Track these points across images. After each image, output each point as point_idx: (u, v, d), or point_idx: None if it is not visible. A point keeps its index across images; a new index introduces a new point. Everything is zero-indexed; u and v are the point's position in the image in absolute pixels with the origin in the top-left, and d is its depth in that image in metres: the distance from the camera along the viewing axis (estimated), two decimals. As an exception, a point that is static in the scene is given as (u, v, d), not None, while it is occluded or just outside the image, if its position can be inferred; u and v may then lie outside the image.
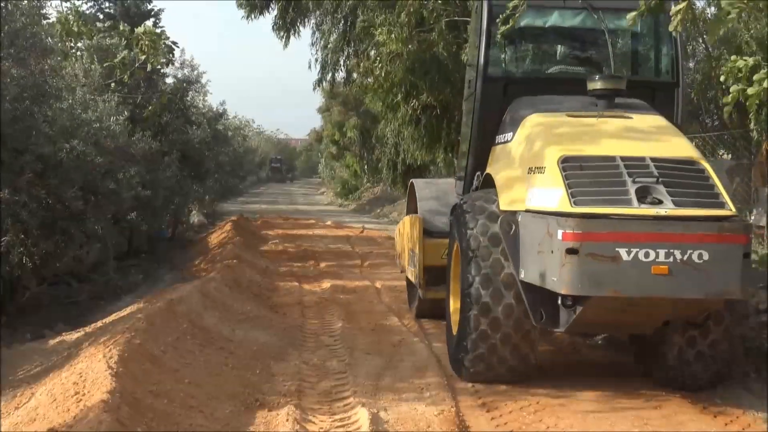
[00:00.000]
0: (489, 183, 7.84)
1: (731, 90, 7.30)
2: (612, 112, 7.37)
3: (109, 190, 11.56)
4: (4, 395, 6.76)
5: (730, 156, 14.37)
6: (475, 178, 8.46)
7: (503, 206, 7.14)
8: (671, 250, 5.95)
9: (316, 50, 24.28)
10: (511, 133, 7.72)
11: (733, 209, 6.31)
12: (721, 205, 6.26)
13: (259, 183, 65.97)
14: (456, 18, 16.54)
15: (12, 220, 9.55)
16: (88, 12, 20.03)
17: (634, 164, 6.44)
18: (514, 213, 6.89)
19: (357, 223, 27.60)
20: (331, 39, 22.90)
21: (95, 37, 14.40)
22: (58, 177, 10.04)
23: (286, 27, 22.41)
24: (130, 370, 6.19)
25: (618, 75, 7.96)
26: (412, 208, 11.01)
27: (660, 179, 6.27)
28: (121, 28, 15.11)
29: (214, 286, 11.00)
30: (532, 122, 7.46)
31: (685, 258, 5.95)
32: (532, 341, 7.09)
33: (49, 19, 11.86)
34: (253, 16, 21.81)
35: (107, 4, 21.56)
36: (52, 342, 9.02)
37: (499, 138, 8.10)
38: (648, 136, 7.01)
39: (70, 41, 13.31)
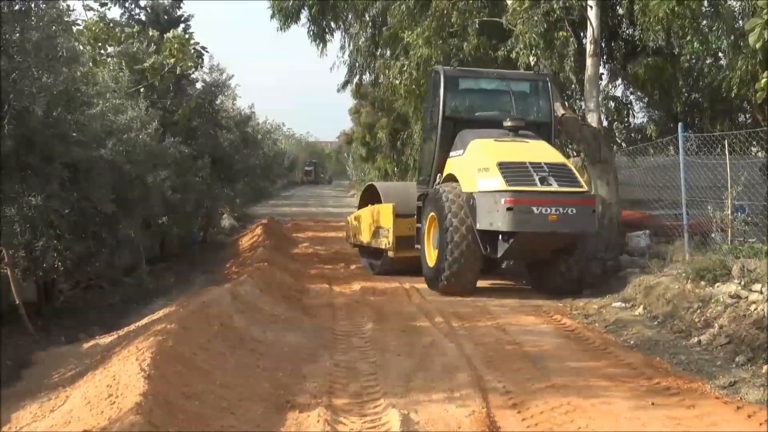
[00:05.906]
0: (449, 179, 13.30)
1: (763, 77, 7.86)
2: (518, 139, 13.12)
3: (140, 195, 11.63)
4: (39, 398, 6.86)
5: (763, 154, 14.20)
6: (437, 177, 13.68)
7: (464, 190, 12.53)
8: (558, 208, 11.55)
9: (344, 53, 24.34)
10: (462, 150, 13.19)
11: (586, 188, 12.47)
12: (580, 186, 12.14)
13: (289, 186, 66.11)
14: (486, 18, 16.50)
15: (45, 225, 9.64)
16: (119, 19, 20.17)
17: (536, 166, 12.09)
18: (471, 192, 12.22)
19: (387, 225, 27.49)
20: (360, 42, 22.92)
21: (124, 43, 14.52)
22: (89, 182, 10.12)
23: (321, 33, 22.42)
24: (162, 373, 6.24)
25: (520, 117, 13.66)
26: (366, 202, 16.69)
27: (549, 173, 11.94)
28: (150, 33, 15.23)
29: (245, 289, 11.04)
30: (476, 144, 12.99)
31: (564, 212, 11.57)
32: (478, 268, 12.46)
33: (79, 25, 11.94)
34: (287, 25, 21.82)
35: (137, 11, 21.70)
36: (86, 345, 9.12)
37: (453, 153, 13.49)
38: (540, 152, 12.71)
39: (99, 47, 13.42)
